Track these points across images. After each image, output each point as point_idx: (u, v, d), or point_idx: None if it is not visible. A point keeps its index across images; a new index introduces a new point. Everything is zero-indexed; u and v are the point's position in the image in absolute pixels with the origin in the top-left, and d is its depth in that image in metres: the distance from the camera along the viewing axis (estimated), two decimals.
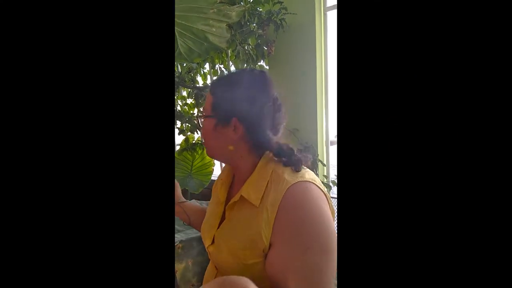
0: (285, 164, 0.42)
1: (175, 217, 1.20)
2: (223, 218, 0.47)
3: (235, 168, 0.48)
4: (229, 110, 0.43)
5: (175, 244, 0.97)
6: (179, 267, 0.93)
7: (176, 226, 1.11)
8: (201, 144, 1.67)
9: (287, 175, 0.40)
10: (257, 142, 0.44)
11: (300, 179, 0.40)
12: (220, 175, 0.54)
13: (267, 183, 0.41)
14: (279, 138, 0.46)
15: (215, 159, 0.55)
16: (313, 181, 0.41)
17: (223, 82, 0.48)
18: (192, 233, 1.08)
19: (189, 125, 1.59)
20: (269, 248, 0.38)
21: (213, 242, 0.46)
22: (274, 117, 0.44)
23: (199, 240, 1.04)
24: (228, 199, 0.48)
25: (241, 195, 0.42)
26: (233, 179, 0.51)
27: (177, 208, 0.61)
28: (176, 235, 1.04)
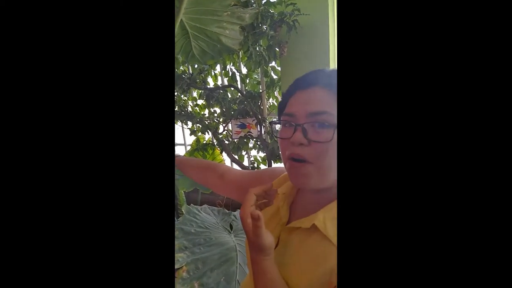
0: None
1: (183, 230, 1.18)
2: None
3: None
4: None
5: (180, 267, 0.98)
6: None
7: (183, 242, 1.11)
8: (211, 144, 1.68)
9: None
10: None
11: None
12: (281, 187, 0.44)
13: None
14: None
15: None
16: None
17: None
18: (199, 252, 1.10)
19: (200, 126, 1.60)
20: None
21: None
22: None
23: (205, 260, 1.05)
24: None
25: (314, 224, 0.36)
26: (296, 195, 0.44)
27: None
28: (182, 253, 1.05)
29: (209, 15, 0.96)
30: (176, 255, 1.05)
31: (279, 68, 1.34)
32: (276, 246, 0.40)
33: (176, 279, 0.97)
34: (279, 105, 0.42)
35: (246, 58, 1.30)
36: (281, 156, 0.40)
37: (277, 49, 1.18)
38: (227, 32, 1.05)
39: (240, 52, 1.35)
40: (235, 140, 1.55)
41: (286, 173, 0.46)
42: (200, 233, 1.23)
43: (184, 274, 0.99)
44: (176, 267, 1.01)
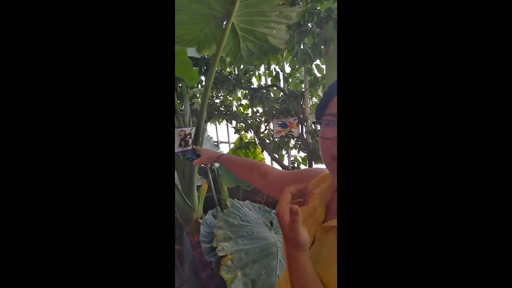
0: None
1: (227, 220, 1.23)
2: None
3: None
4: None
5: (225, 255, 1.03)
6: (229, 277, 0.98)
7: (228, 232, 1.18)
8: (253, 143, 1.73)
9: None
10: None
11: None
12: (317, 188, 0.45)
13: None
14: None
15: None
16: None
17: None
18: (242, 244, 1.14)
19: (243, 125, 1.66)
20: None
21: None
22: None
23: (247, 252, 1.09)
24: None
25: None
26: (333, 195, 0.44)
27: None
28: (226, 243, 1.11)
29: (258, 16, 1.01)
30: (221, 243, 1.11)
31: (323, 66, 1.33)
32: (312, 244, 0.41)
33: (221, 266, 1.03)
34: (319, 104, 0.42)
35: (290, 57, 1.32)
36: (322, 155, 0.40)
37: (323, 47, 1.18)
38: (274, 32, 1.09)
39: (284, 52, 1.37)
40: (276, 139, 1.57)
41: (323, 174, 0.48)
42: (243, 226, 1.27)
43: (229, 262, 1.04)
44: (221, 254, 1.06)
